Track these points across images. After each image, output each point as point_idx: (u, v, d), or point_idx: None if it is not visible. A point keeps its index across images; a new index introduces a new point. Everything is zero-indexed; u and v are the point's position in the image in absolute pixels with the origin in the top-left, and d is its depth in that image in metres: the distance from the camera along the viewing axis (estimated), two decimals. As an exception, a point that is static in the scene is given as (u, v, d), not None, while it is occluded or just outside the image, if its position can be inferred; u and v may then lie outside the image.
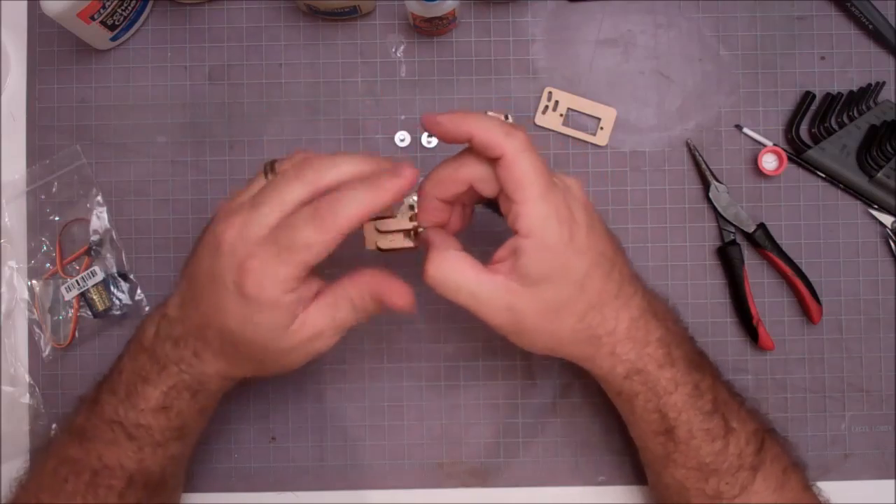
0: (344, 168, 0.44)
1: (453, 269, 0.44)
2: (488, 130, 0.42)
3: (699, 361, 0.49)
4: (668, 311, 0.50)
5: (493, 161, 0.43)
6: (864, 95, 0.60)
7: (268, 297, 0.42)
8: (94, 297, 0.60)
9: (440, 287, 0.44)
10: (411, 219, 0.47)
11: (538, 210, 0.42)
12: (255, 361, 0.47)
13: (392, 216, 0.47)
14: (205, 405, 0.49)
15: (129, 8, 0.59)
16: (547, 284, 0.43)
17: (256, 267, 0.42)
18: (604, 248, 0.45)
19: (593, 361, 0.47)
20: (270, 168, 0.46)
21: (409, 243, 0.47)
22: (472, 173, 0.44)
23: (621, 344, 0.46)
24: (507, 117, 0.60)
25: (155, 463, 0.49)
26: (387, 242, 0.47)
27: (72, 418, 0.51)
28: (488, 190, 0.44)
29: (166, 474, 0.50)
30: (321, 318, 0.44)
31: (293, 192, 0.43)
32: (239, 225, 0.43)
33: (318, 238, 0.41)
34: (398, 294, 0.45)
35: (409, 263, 0.53)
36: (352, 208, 0.41)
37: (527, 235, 0.42)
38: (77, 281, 0.60)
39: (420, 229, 0.47)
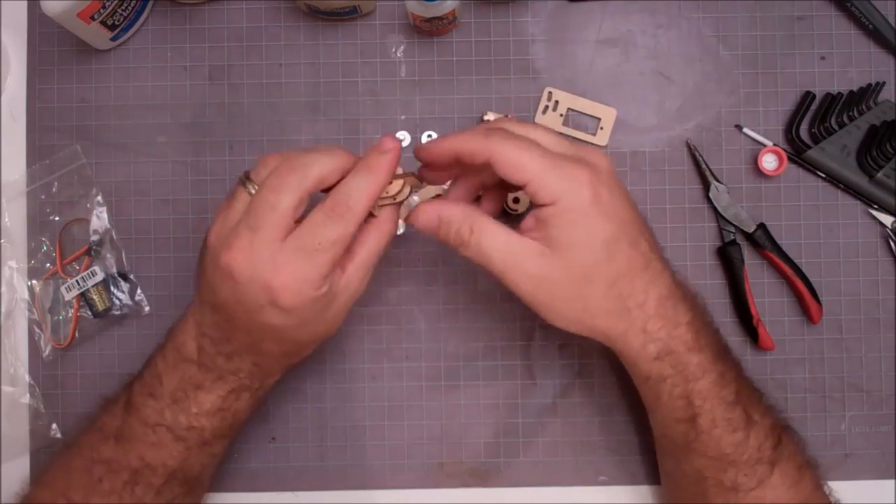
0: (321, 165, 0.45)
1: (485, 232, 0.45)
2: (467, 140, 0.44)
3: (724, 351, 0.50)
4: (695, 297, 0.50)
5: (489, 167, 0.44)
6: (864, 95, 0.60)
7: (308, 299, 0.44)
8: (94, 297, 0.60)
9: (474, 253, 0.45)
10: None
11: (550, 178, 0.43)
12: (313, 343, 0.49)
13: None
14: (261, 397, 0.51)
15: (129, 8, 0.59)
16: (575, 248, 0.44)
17: (287, 281, 0.43)
18: (629, 215, 0.46)
19: (625, 339, 0.47)
20: (247, 178, 0.46)
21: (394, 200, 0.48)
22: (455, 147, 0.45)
23: (652, 320, 0.46)
24: (507, 117, 0.60)
25: (198, 461, 0.50)
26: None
27: (99, 418, 0.51)
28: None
29: (205, 472, 0.51)
30: (363, 270, 0.47)
31: (284, 202, 0.44)
32: (245, 251, 0.44)
33: (341, 233, 0.44)
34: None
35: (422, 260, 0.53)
36: (362, 197, 0.44)
37: (550, 202, 0.43)
38: (77, 281, 0.60)
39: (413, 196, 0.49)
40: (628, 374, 0.60)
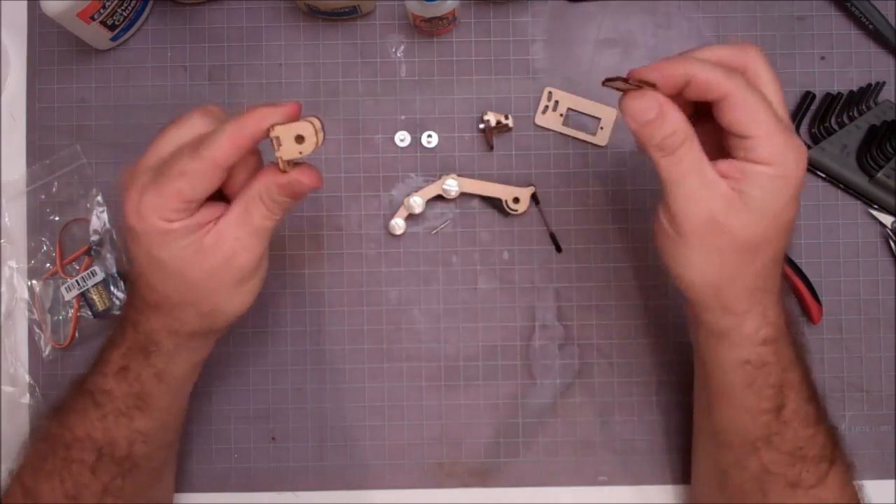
0: (224, 116, 0.44)
1: (693, 151, 0.41)
2: (707, 71, 0.40)
3: (805, 349, 0.50)
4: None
5: (711, 102, 0.41)
6: (864, 95, 0.60)
7: (151, 226, 0.43)
8: (94, 297, 0.60)
9: (670, 166, 0.41)
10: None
11: (777, 141, 0.40)
12: (189, 305, 0.46)
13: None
14: (161, 370, 0.48)
15: (129, 8, 0.59)
16: (764, 217, 0.41)
17: (133, 197, 0.43)
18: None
19: (742, 319, 0.45)
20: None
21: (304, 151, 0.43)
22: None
23: (773, 307, 0.46)
24: (507, 117, 0.60)
25: (120, 435, 0.48)
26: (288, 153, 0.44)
27: (59, 398, 0.52)
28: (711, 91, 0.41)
29: (135, 452, 0.49)
30: (235, 227, 0.44)
31: (175, 135, 0.44)
32: (128, 171, 0.45)
33: (191, 166, 0.42)
34: (304, 174, 0.44)
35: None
36: (222, 136, 0.42)
37: (767, 163, 0.40)
38: (77, 281, 0.60)
39: None
40: (627, 376, 0.60)
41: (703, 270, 0.44)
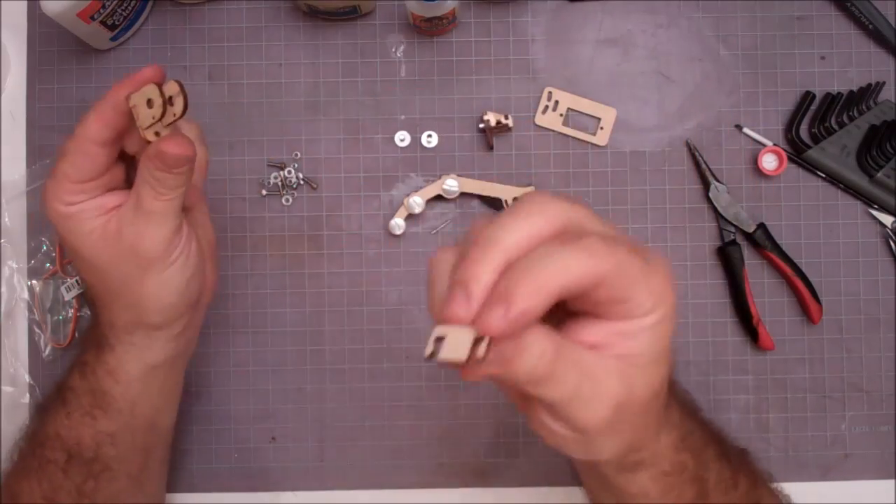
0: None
1: (568, 357, 0.31)
2: (569, 269, 0.30)
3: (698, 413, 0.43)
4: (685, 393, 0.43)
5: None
6: (864, 95, 0.60)
7: (53, 212, 0.44)
8: (94, 297, 0.60)
9: (550, 390, 0.31)
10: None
11: (654, 284, 0.32)
12: (113, 295, 0.45)
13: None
14: (113, 367, 0.47)
15: (129, 8, 0.59)
16: (656, 364, 0.34)
17: (42, 192, 0.44)
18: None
19: (657, 441, 0.39)
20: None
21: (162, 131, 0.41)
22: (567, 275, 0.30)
23: (675, 410, 0.40)
24: (506, 117, 0.60)
25: (85, 434, 0.48)
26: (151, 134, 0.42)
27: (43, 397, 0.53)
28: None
29: (104, 454, 0.48)
30: (130, 213, 0.43)
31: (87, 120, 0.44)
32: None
33: (69, 146, 0.43)
34: (167, 142, 0.41)
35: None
36: (90, 113, 0.42)
37: (649, 313, 0.32)
38: (77, 281, 0.60)
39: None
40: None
41: (617, 443, 0.35)
